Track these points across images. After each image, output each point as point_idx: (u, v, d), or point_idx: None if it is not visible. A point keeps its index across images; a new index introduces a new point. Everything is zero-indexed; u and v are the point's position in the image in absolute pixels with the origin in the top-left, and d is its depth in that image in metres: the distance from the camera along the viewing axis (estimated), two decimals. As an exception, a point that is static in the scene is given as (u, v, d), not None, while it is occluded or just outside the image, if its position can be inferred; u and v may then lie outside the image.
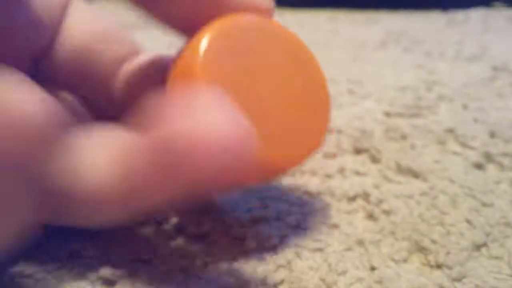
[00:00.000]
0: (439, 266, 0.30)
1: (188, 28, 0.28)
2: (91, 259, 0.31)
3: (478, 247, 0.32)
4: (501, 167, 0.43)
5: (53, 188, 0.21)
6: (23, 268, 0.30)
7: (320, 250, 0.32)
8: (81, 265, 0.31)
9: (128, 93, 0.32)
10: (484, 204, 0.37)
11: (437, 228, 0.34)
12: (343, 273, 0.30)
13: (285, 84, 0.29)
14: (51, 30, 0.31)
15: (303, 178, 0.41)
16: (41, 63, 0.32)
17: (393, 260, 0.31)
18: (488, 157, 0.45)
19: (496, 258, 0.31)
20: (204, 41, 0.26)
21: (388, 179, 0.41)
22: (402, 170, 0.42)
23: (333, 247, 0.32)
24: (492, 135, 0.49)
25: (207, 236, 0.33)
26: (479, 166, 0.43)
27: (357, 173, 0.42)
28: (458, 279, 0.29)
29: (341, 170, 0.42)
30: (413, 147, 0.47)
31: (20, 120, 0.16)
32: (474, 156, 0.45)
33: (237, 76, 0.26)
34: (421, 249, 0.32)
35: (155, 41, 0.89)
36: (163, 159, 0.20)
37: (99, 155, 0.23)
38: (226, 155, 0.19)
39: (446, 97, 0.62)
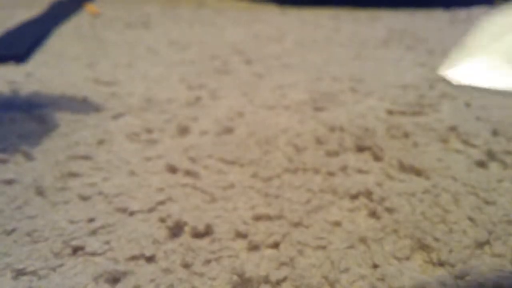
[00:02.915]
0: (441, 264, 0.30)
1: None
2: (94, 256, 0.32)
3: (480, 244, 0.32)
4: (504, 165, 0.43)
5: None
6: (26, 264, 0.31)
7: (322, 247, 0.32)
8: (85, 261, 0.31)
9: None
10: (487, 202, 0.37)
11: (439, 226, 0.34)
12: (346, 270, 0.30)
13: None
14: None
15: (306, 176, 0.41)
16: None
17: (395, 257, 0.31)
18: (491, 155, 0.45)
19: (499, 255, 0.31)
20: None
21: (390, 177, 0.41)
22: (405, 168, 0.42)
23: (336, 244, 0.32)
24: (495, 133, 0.49)
25: (210, 233, 0.34)
26: (481, 164, 0.43)
27: (360, 171, 0.42)
28: (461, 277, 0.29)
29: (344, 168, 0.42)
30: (415, 145, 0.47)
31: None
32: (476, 154, 0.45)
33: None
34: (424, 247, 0.32)
35: (155, 40, 0.89)
36: None
37: None
38: None
39: (448, 95, 0.62)
